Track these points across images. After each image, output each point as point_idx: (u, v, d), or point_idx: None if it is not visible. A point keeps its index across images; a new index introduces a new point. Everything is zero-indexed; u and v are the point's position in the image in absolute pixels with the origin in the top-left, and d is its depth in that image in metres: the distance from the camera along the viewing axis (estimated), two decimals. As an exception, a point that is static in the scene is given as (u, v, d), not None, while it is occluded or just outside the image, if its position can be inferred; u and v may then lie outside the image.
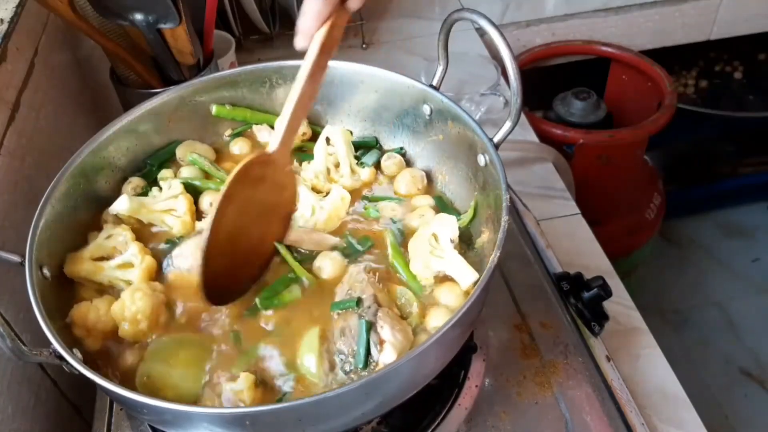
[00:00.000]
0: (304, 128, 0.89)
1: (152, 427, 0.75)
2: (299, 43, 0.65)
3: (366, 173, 0.85)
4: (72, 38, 1.12)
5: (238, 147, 0.90)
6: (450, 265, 0.72)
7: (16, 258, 0.66)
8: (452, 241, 0.73)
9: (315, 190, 0.82)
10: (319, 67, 0.65)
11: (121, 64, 1.01)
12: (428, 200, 0.83)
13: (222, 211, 0.64)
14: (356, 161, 0.86)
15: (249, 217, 0.68)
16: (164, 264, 0.74)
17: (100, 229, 0.77)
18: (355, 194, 0.83)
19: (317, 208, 0.78)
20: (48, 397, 0.81)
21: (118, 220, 0.78)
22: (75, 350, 0.61)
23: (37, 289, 0.63)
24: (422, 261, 0.72)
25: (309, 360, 0.65)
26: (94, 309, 0.68)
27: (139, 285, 0.69)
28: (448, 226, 0.73)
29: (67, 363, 0.58)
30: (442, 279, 0.73)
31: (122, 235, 0.75)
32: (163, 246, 0.77)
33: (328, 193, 0.81)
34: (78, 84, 1.12)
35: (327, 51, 0.65)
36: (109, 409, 0.78)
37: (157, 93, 0.84)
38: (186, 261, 0.73)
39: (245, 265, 0.71)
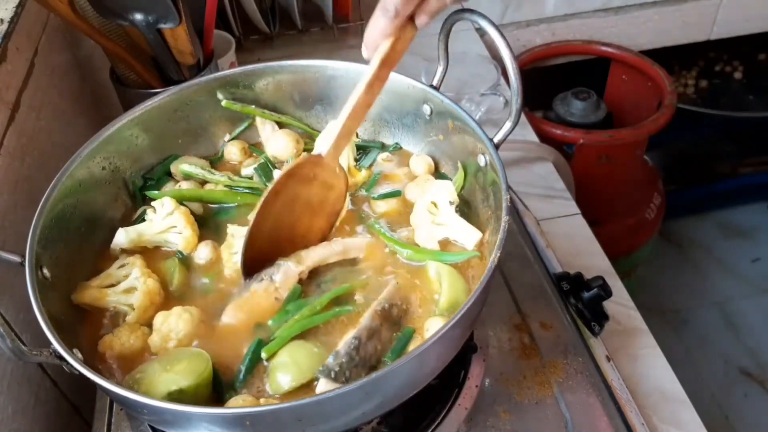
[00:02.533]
0: (295, 144, 0.89)
1: (152, 427, 0.75)
2: (364, 53, 0.68)
3: (363, 174, 0.86)
4: (72, 38, 1.12)
5: (235, 150, 0.89)
6: (452, 229, 0.75)
7: (16, 258, 0.66)
8: (452, 203, 0.76)
9: None
10: (379, 78, 0.69)
11: (121, 64, 1.01)
12: (426, 159, 0.85)
13: (268, 203, 0.70)
14: (355, 163, 0.87)
15: (295, 210, 0.73)
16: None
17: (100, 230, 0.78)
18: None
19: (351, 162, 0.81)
20: (48, 397, 0.81)
21: (128, 250, 0.78)
22: (75, 350, 0.61)
23: (37, 289, 0.63)
24: (425, 231, 0.75)
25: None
26: (117, 340, 0.68)
27: (191, 310, 0.69)
28: (446, 190, 0.77)
29: (67, 363, 0.58)
30: (446, 245, 0.76)
31: (134, 264, 0.75)
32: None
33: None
34: (78, 84, 1.12)
35: (388, 64, 0.68)
36: (109, 409, 0.78)
37: (157, 93, 0.84)
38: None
39: (286, 252, 0.74)
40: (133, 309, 0.71)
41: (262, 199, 0.70)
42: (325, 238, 0.77)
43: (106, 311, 0.73)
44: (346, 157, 0.85)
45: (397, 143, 0.89)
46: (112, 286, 0.73)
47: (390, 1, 0.63)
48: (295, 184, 0.72)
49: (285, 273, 0.73)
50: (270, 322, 0.70)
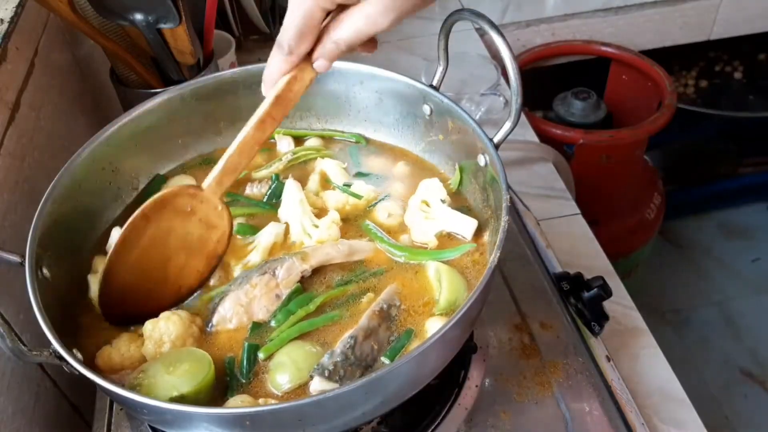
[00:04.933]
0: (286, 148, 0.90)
1: (152, 427, 0.75)
2: (263, 89, 0.66)
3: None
4: (72, 38, 1.12)
5: (259, 159, 0.89)
6: (447, 222, 0.75)
7: (16, 258, 0.66)
8: (443, 201, 0.76)
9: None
10: (271, 117, 0.65)
11: (121, 64, 1.01)
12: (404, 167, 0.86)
13: (134, 229, 0.66)
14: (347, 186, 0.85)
15: (167, 244, 0.69)
16: (207, 328, 0.70)
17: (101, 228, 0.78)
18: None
19: (308, 232, 0.78)
20: (48, 397, 0.81)
21: None
22: (75, 350, 0.61)
23: (37, 289, 0.63)
24: (420, 229, 0.76)
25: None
26: (116, 351, 0.68)
27: (178, 312, 0.69)
28: (435, 188, 0.77)
29: (67, 363, 0.58)
30: (445, 238, 0.76)
31: None
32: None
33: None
34: (78, 84, 1.12)
35: (283, 103, 0.65)
36: (109, 409, 0.78)
37: (157, 93, 0.84)
38: (231, 323, 0.70)
39: (155, 292, 0.70)
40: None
41: (128, 223, 0.66)
42: (203, 281, 0.72)
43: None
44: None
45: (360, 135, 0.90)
46: None
47: (283, 38, 0.61)
48: (169, 215, 0.68)
49: (288, 269, 0.72)
50: (272, 322, 0.70)
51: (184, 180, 0.87)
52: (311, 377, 0.64)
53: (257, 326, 0.70)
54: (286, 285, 0.72)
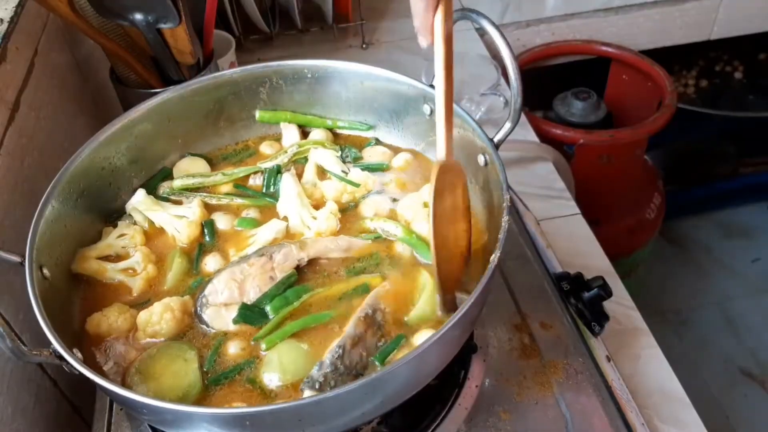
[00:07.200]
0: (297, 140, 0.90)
1: (152, 427, 0.75)
2: (422, 42, 0.63)
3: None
4: (72, 38, 1.12)
5: (270, 151, 0.90)
6: None
7: (16, 258, 0.66)
8: None
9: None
10: (450, 58, 0.63)
11: (121, 64, 1.01)
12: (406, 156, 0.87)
13: (436, 228, 0.67)
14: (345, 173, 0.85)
15: (448, 222, 0.70)
16: (198, 306, 0.71)
17: (100, 229, 0.79)
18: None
19: (307, 224, 0.79)
20: (48, 397, 0.81)
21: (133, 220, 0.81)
22: (75, 350, 0.61)
23: (37, 289, 0.63)
24: (424, 228, 0.77)
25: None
26: (105, 319, 0.70)
27: (173, 304, 0.69)
28: None
29: (67, 363, 0.58)
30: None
31: (133, 239, 0.77)
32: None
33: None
34: (78, 84, 1.12)
35: (449, 41, 0.63)
36: (109, 409, 0.78)
37: (157, 93, 0.84)
38: (222, 295, 0.71)
39: (453, 269, 0.71)
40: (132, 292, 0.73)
41: (431, 227, 0.67)
42: (470, 238, 0.73)
43: (103, 284, 0.75)
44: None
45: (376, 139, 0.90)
46: (110, 258, 0.76)
47: None
48: (443, 200, 0.69)
49: (285, 255, 0.73)
50: (268, 308, 0.70)
51: (190, 163, 0.87)
52: (302, 391, 0.64)
53: (248, 308, 0.70)
54: (281, 270, 0.73)
